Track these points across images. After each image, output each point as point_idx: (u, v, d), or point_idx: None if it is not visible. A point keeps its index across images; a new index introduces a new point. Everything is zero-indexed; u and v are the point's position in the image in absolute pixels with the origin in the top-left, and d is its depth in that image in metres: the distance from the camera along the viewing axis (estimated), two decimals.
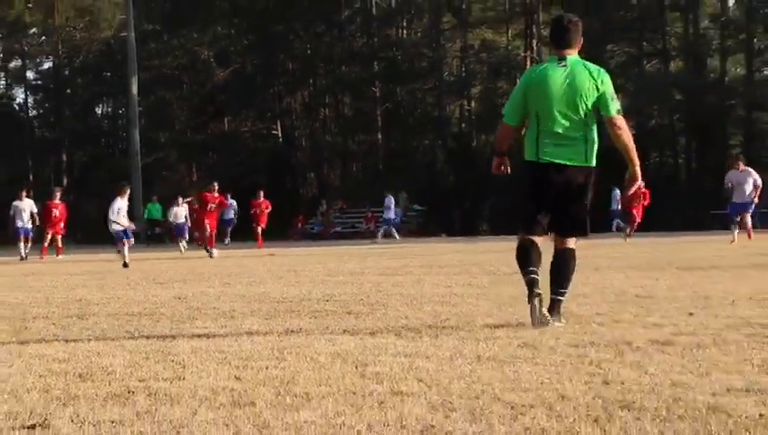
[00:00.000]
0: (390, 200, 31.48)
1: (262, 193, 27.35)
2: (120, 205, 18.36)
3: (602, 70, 5.25)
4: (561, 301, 5.31)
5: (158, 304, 8.28)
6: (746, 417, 2.74)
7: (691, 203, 38.34)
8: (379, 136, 45.42)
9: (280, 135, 46.73)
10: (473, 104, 46.73)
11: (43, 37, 50.91)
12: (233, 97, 46.14)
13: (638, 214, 24.44)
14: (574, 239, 5.45)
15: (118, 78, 45.67)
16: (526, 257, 5.37)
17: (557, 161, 5.17)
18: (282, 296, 8.76)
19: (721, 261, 13.39)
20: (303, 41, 46.43)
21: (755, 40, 43.00)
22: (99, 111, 54.36)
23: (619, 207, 28.12)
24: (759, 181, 19.28)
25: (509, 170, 5.41)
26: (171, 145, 45.63)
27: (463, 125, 46.96)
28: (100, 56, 48.00)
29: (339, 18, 46.84)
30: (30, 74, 53.07)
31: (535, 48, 44.16)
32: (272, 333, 5.61)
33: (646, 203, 24.95)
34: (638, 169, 5.26)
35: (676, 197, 38.00)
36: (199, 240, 22.09)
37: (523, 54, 44.18)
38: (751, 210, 19.25)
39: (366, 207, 38.58)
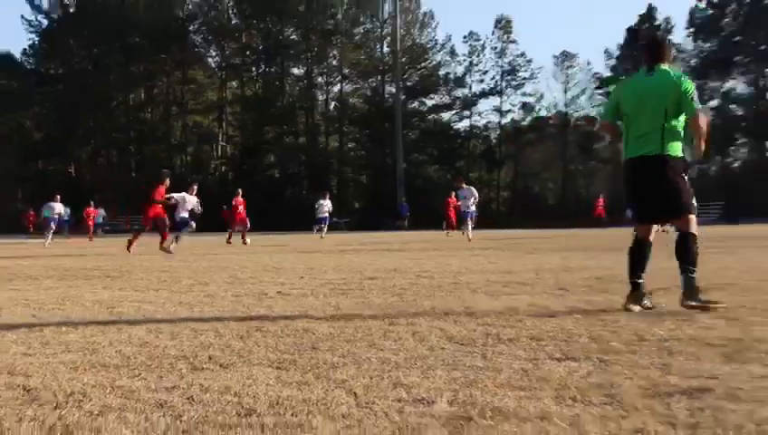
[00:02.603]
0: (60, 208, 40.29)
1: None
2: (189, 199, 22.89)
3: (685, 75, 6.68)
4: (690, 277, 6.58)
5: None
6: (323, 334, 5.85)
7: (303, 216, 62.02)
8: (133, 174, 78.23)
9: (74, 173, 79.55)
10: (188, 158, 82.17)
11: None
12: (44, 150, 79.08)
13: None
14: (690, 223, 6.74)
15: None
16: (634, 262, 7.07)
17: (638, 154, 6.75)
18: (69, 266, 14.33)
19: (321, 247, 24.14)
20: (88, 117, 79.08)
21: (344, 128, 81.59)
22: None
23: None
24: (476, 194, 29.38)
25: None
26: (5, 177, 76.82)
27: (183, 169, 77.24)
28: None
29: (110, 106, 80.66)
30: None
31: (225, 126, 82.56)
32: (59, 289, 9.74)
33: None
34: (701, 149, 6.71)
35: (298, 216, 61.99)
36: (244, 234, 28.87)
37: (216, 130, 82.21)
38: (471, 217, 28.44)
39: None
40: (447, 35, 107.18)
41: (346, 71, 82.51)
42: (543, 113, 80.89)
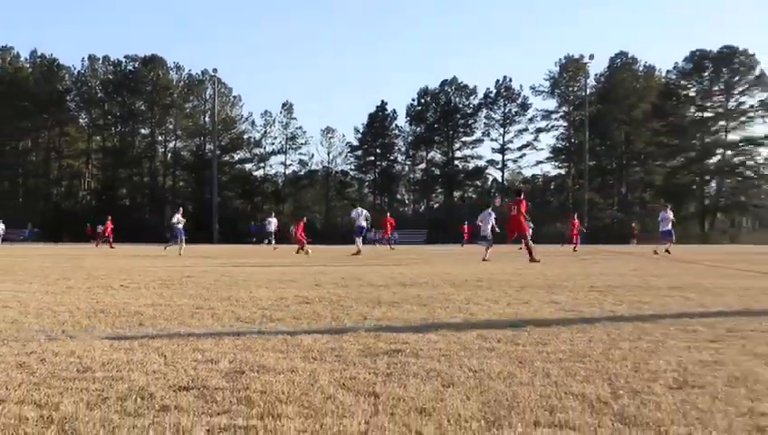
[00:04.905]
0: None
1: None
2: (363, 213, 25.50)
3: None
4: None
5: None
6: (148, 315, 6.01)
7: (145, 232, 73.41)
8: (20, 199, 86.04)
9: None
10: (62, 190, 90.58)
11: None
12: None
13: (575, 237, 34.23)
14: None
15: None
16: None
17: None
18: None
19: (159, 254, 24.68)
20: None
21: (177, 172, 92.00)
22: None
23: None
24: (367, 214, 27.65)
25: None
26: None
27: (58, 197, 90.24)
28: None
29: (2, 150, 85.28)
30: None
31: (90, 168, 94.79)
32: None
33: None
34: None
35: (142, 233, 70.09)
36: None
37: (84, 170, 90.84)
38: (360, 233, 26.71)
39: None
40: (250, 112, 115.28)
41: (179, 132, 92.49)
42: (314, 167, 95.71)
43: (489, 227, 22.26)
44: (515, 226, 19.71)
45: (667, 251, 26.41)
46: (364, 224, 27.92)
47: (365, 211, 28.84)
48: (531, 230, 20.30)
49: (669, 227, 27.63)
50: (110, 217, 45.40)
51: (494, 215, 22.62)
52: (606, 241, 60.22)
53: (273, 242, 36.99)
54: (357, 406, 3.21)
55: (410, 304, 7.48)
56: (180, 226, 27.67)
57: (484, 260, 19.41)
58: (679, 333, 5.41)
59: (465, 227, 50.05)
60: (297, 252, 27.59)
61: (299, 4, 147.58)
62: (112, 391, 3.45)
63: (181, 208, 29.73)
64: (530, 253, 19.21)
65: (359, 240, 27.36)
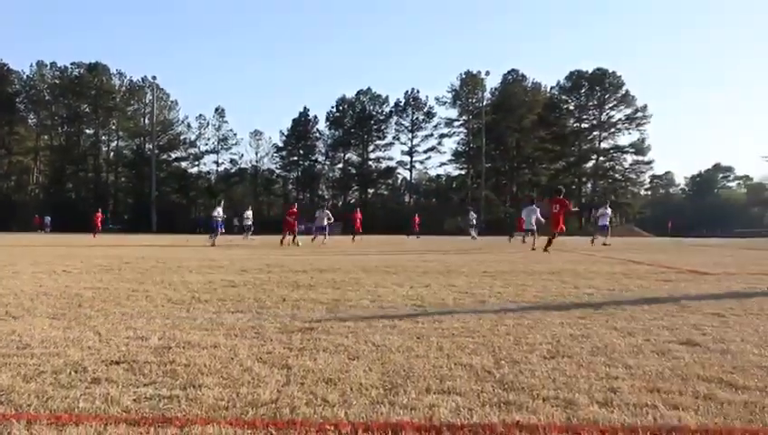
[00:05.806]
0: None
1: None
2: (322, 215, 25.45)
3: None
4: None
5: None
6: (87, 296, 5.74)
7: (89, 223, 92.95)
8: None
9: None
10: (12, 184, 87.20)
11: None
12: None
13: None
14: None
15: None
16: None
17: None
18: None
19: (99, 243, 24.20)
20: None
21: (119, 169, 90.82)
22: None
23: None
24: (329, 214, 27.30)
25: None
26: None
27: (8, 190, 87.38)
28: None
29: None
30: None
31: (39, 164, 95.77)
32: None
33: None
34: None
35: (86, 223, 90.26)
36: None
37: (33, 166, 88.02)
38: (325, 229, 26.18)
39: None
40: (186, 115, 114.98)
41: (121, 133, 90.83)
42: (243, 166, 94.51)
43: (533, 219, 21.92)
44: (559, 224, 19.26)
45: (604, 244, 26.05)
46: (325, 223, 28.13)
47: (327, 212, 28.94)
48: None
49: (607, 222, 27.11)
50: (99, 210, 44.73)
51: (538, 209, 22.33)
52: (499, 234, 61.44)
53: (250, 234, 34.83)
54: (271, 377, 3.19)
55: (325, 287, 7.36)
56: (220, 218, 26.23)
57: (532, 249, 19.55)
58: (555, 311, 5.58)
59: (417, 219, 47.20)
60: (294, 241, 25.74)
61: (233, 19, 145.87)
62: (48, 365, 3.35)
63: (222, 201, 28.27)
64: (548, 243, 19.27)
65: (322, 235, 27.73)
